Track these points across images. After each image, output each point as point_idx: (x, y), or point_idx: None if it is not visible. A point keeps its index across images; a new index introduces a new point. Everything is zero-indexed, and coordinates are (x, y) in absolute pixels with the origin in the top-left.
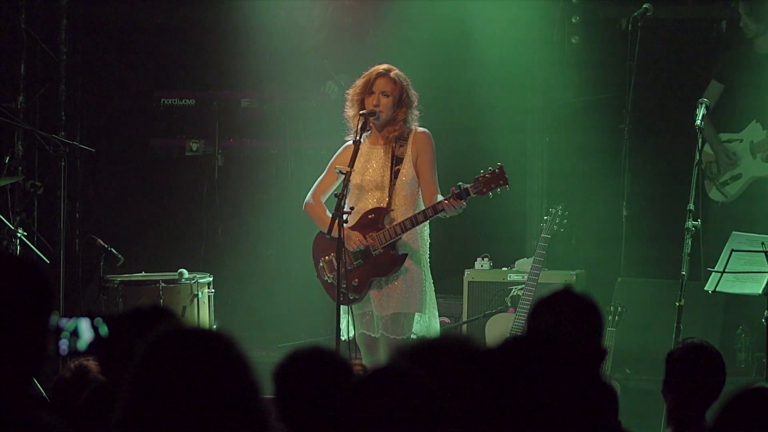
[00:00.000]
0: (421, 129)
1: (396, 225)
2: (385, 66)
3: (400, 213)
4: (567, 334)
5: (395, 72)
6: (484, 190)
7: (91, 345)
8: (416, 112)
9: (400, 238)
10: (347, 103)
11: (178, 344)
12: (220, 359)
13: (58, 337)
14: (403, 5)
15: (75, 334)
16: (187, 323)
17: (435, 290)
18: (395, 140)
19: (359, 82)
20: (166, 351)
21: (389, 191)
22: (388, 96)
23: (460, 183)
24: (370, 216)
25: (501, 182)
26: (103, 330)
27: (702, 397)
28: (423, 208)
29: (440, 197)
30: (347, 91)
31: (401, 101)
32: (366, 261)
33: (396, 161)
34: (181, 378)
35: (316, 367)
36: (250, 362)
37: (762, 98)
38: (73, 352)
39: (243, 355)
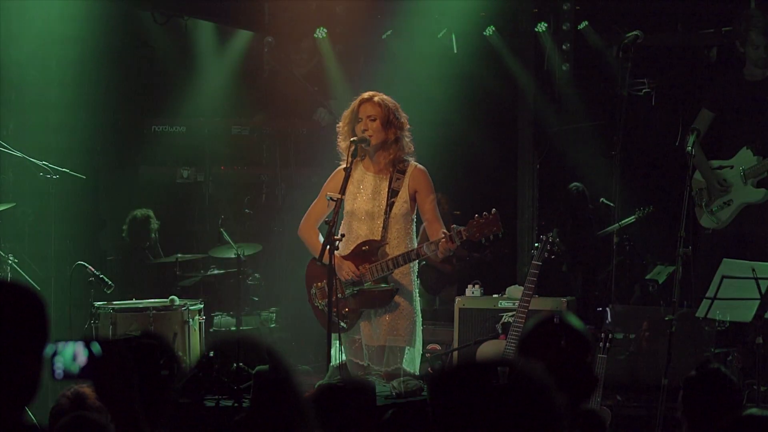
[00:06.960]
0: (419, 166)
1: (389, 260)
2: (369, 93)
3: (393, 246)
4: (557, 363)
5: (379, 97)
6: (477, 234)
7: (85, 369)
8: (408, 134)
9: (392, 272)
10: (339, 137)
11: None
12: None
13: (53, 362)
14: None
15: (70, 358)
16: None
17: (427, 317)
18: (392, 169)
19: (346, 113)
20: None
21: (383, 223)
22: (374, 120)
23: (454, 225)
24: (364, 248)
25: (494, 229)
26: (97, 350)
27: (719, 425)
28: (415, 242)
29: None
30: (338, 125)
31: (389, 122)
32: (357, 291)
33: (392, 194)
34: None
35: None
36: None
37: (752, 125)
38: (68, 376)
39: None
